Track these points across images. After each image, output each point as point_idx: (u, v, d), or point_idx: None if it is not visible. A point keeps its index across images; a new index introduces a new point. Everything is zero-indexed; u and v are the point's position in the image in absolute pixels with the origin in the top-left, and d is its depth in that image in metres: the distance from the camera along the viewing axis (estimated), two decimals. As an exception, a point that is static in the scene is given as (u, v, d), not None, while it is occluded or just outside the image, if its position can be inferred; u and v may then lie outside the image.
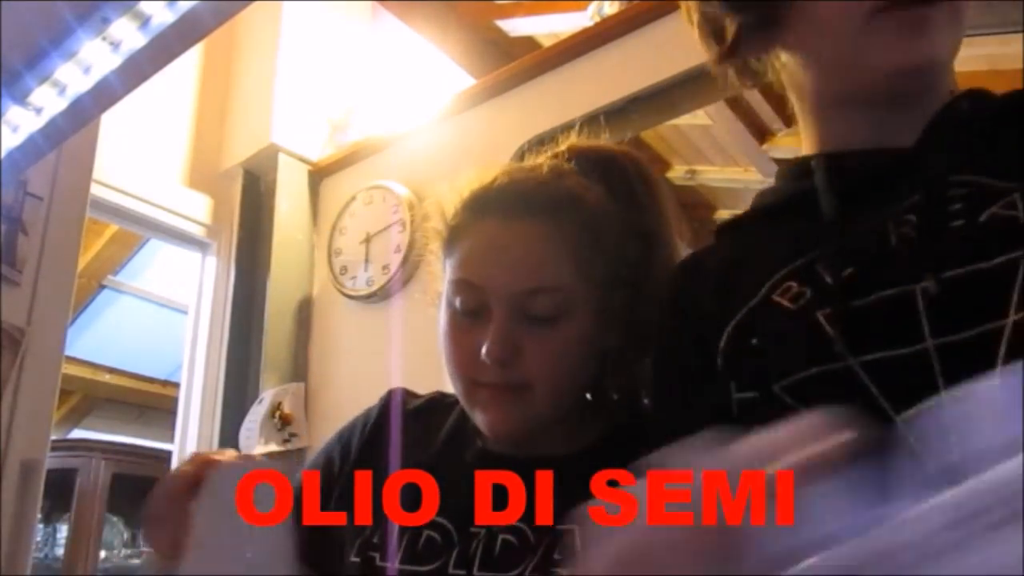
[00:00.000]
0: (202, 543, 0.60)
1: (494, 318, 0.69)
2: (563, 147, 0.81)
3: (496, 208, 0.72)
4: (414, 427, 0.80)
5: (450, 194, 0.77)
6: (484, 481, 0.72)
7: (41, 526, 3.01)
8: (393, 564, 0.69)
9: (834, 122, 0.61)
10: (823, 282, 0.54)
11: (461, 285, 0.71)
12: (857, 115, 0.59)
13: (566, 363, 0.70)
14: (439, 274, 0.76)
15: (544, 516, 0.67)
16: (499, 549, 0.66)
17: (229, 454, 0.65)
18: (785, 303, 0.55)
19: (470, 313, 0.71)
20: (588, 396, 0.78)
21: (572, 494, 0.68)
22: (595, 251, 0.71)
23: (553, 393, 0.70)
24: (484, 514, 0.69)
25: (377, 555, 0.70)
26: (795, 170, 0.64)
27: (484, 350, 0.68)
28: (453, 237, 0.74)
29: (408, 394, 0.84)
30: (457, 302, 0.72)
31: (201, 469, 0.62)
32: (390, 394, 0.84)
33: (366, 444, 0.79)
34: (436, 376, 0.86)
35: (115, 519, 3.26)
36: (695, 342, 0.60)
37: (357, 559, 0.71)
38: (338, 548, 0.75)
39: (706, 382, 0.58)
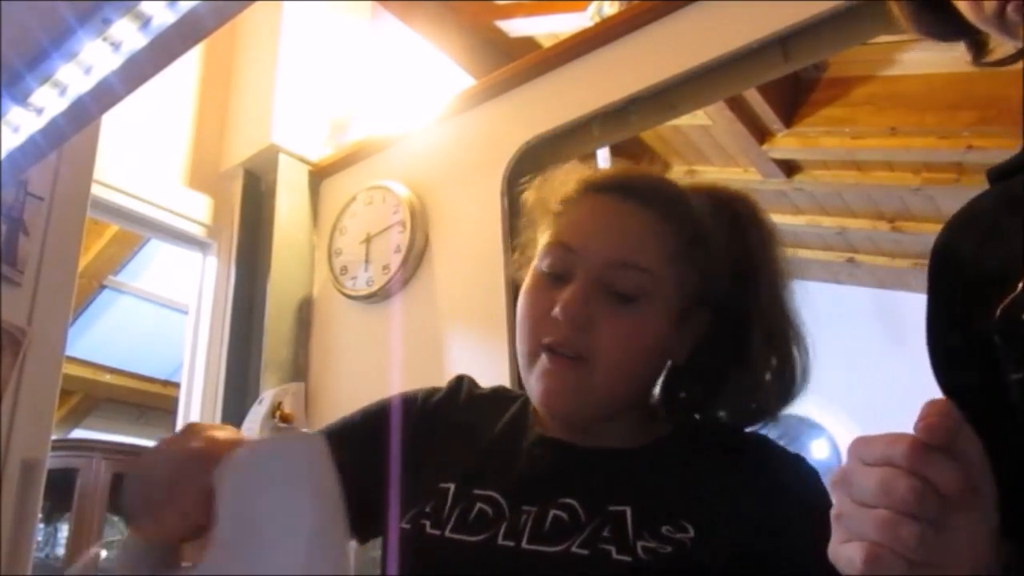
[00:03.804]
0: (234, 540, 0.51)
1: (576, 280, 0.71)
2: None
3: (610, 188, 0.75)
4: (478, 411, 0.81)
5: (564, 175, 0.80)
6: (539, 460, 0.74)
7: (42, 526, 3.01)
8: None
9: None
10: None
11: (554, 247, 0.74)
12: None
13: (632, 348, 0.71)
14: (537, 243, 0.78)
15: (596, 495, 0.68)
16: (549, 523, 0.67)
17: (232, 431, 0.62)
18: None
19: (555, 276, 0.73)
20: (650, 403, 0.79)
21: (624, 481, 0.71)
22: (690, 256, 0.73)
23: (612, 374, 0.71)
24: (537, 492, 0.70)
25: (428, 523, 0.70)
26: None
27: (559, 307, 0.70)
28: (563, 210, 0.77)
29: (473, 383, 0.86)
30: (545, 264, 0.74)
31: (216, 447, 0.57)
32: (460, 379, 0.85)
33: (428, 418, 0.80)
34: (436, 377, 0.87)
35: (116, 519, 3.26)
36: (958, 314, 0.56)
37: (408, 526, 0.71)
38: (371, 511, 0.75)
39: (969, 358, 0.53)
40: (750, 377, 0.75)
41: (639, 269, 0.71)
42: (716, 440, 0.75)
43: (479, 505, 0.70)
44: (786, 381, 0.75)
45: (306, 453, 0.55)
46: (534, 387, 0.72)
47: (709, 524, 0.66)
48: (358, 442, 0.80)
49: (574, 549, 0.65)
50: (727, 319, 0.75)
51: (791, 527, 0.66)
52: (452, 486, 0.72)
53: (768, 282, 0.77)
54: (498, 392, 0.85)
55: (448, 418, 0.80)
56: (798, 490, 0.70)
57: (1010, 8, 0.53)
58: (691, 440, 0.75)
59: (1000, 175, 0.61)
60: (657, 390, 0.79)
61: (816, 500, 0.69)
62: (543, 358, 0.71)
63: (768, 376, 0.75)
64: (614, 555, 0.64)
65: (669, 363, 0.78)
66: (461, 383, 0.85)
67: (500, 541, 0.67)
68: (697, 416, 0.78)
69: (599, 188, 0.76)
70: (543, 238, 0.77)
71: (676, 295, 0.73)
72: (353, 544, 0.78)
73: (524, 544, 0.66)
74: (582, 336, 0.70)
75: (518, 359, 0.75)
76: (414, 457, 0.77)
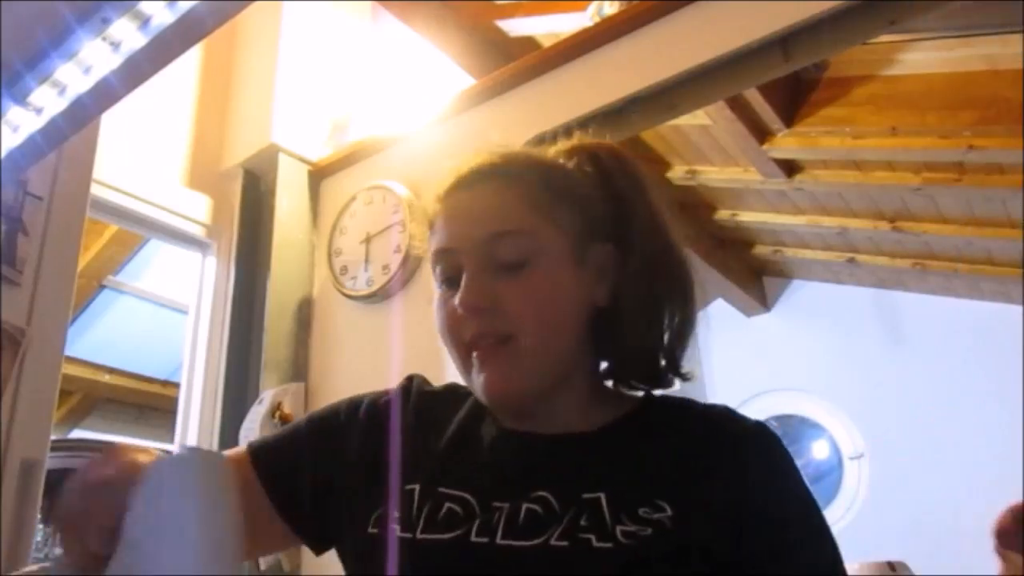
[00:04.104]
0: (137, 542, 0.56)
1: (465, 272, 0.71)
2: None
3: (459, 184, 0.76)
4: (431, 409, 0.80)
5: (431, 196, 0.81)
6: (504, 455, 0.73)
7: (41, 526, 3.01)
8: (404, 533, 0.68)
9: None
10: None
11: (436, 256, 0.75)
12: None
13: (546, 304, 0.71)
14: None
15: (568, 484, 0.67)
16: (523, 518, 0.66)
17: (154, 454, 0.63)
18: None
19: (450, 281, 0.73)
20: (600, 373, 0.78)
21: (594, 466, 0.70)
22: (559, 199, 0.74)
23: (539, 336, 0.70)
24: (507, 487, 0.69)
25: (397, 527, 0.69)
26: None
27: (457, 303, 0.70)
28: (431, 226, 0.77)
29: (424, 381, 0.85)
30: (438, 274, 0.75)
31: (129, 466, 0.60)
32: (410, 379, 0.84)
33: (377, 425, 0.79)
34: (436, 376, 0.86)
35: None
36: None
37: (375, 530, 0.70)
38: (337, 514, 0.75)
39: None
40: (648, 308, 0.74)
41: (514, 233, 0.71)
42: (678, 414, 0.74)
43: (447, 504, 0.69)
44: (680, 310, 0.75)
45: (201, 468, 0.59)
46: (477, 384, 0.72)
47: (684, 500, 0.65)
48: (305, 450, 0.79)
49: (553, 541, 0.64)
50: (627, 254, 0.75)
51: (764, 495, 0.67)
52: (416, 487, 0.71)
53: (645, 209, 0.77)
54: (450, 389, 0.83)
55: (401, 419, 0.79)
56: (766, 457, 0.70)
57: None
58: (653, 417, 0.74)
59: None
60: (605, 365, 0.78)
61: (782, 465, 0.71)
62: (473, 355, 0.71)
63: (662, 304, 0.75)
64: (594, 543, 0.63)
65: (604, 343, 0.76)
66: (411, 383, 0.84)
67: (473, 538, 0.66)
68: (649, 379, 0.77)
69: (448, 192, 0.77)
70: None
71: (564, 239, 0.73)
72: None
73: (499, 540, 0.65)
74: (495, 317, 0.70)
75: (455, 365, 0.75)
76: (370, 461, 0.76)
